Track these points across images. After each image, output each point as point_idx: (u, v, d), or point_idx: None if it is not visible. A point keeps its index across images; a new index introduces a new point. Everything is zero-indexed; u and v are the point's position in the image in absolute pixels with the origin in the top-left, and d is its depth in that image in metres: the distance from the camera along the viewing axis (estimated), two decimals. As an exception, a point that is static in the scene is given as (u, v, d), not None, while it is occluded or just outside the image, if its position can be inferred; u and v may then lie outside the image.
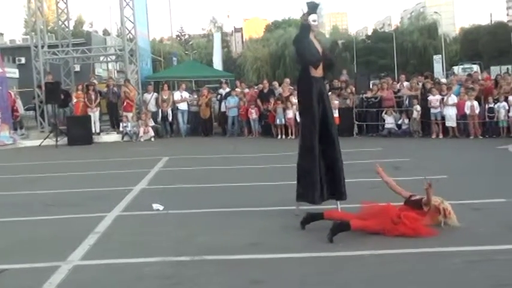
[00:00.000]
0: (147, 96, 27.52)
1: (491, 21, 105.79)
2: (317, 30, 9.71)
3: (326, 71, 9.76)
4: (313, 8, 9.51)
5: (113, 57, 34.57)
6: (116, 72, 63.06)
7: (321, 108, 9.45)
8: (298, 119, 22.43)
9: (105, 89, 28.03)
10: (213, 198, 11.50)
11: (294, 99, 22.88)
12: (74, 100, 26.98)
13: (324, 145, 9.49)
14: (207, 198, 11.54)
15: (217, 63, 52.97)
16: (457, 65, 63.05)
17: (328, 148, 9.48)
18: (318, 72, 9.50)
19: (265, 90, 26.11)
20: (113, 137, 26.41)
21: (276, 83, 27.75)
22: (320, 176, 9.42)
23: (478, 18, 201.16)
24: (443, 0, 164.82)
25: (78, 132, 25.02)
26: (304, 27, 9.59)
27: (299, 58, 10.16)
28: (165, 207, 10.46)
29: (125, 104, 26.53)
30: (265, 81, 28.20)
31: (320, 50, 9.58)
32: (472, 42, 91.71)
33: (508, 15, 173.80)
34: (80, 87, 27.22)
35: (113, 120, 27.68)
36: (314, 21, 9.48)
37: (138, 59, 29.14)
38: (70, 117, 26.60)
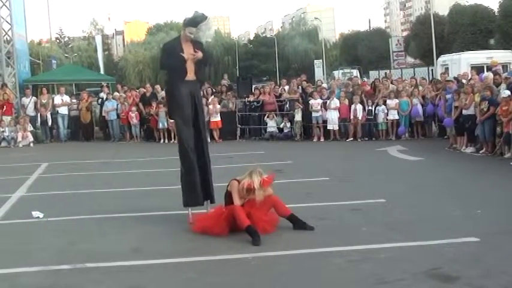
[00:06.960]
0: (25, 100, 26.66)
1: (369, 27, 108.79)
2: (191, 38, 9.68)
3: (198, 74, 9.77)
4: (193, 23, 9.55)
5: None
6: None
7: (193, 111, 9.49)
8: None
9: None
10: (94, 204, 11.28)
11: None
12: None
13: (197, 149, 9.61)
14: (88, 204, 11.29)
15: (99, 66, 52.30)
16: (337, 69, 64.28)
17: (198, 151, 9.59)
18: (189, 76, 9.52)
19: (148, 94, 25.87)
20: (-11, 142, 25.45)
21: (158, 87, 27.52)
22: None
23: (357, 24, 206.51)
24: (324, 6, 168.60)
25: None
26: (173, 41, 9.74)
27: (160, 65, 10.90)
28: (45, 215, 10.17)
29: (5, 108, 25.59)
30: (147, 85, 27.99)
31: (191, 53, 9.55)
32: (352, 47, 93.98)
33: (385, 21, 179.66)
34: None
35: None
36: (190, 33, 9.53)
37: (15, 61, 28.38)
38: None
